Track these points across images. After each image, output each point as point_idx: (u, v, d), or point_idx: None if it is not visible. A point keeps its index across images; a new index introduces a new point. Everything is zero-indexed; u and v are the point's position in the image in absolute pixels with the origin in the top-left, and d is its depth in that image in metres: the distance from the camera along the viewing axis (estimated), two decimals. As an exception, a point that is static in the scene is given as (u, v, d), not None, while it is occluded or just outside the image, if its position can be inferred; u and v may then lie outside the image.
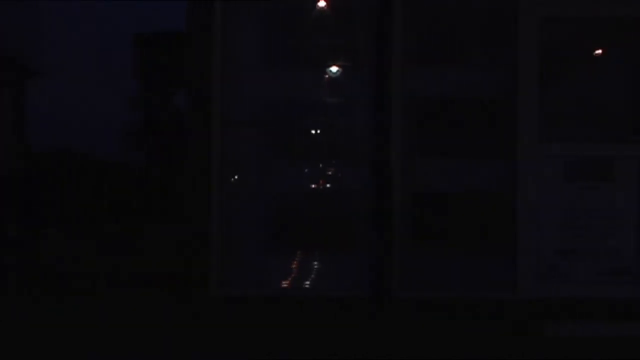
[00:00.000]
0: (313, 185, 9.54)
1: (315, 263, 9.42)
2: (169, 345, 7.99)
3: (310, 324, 8.64)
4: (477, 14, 9.51)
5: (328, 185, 9.53)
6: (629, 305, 9.12)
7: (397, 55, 9.35)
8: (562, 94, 9.45)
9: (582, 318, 9.06)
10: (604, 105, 9.42)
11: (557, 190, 9.37)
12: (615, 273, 9.32)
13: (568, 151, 9.35)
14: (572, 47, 9.48)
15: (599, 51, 9.45)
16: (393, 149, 9.32)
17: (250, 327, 8.62)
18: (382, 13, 9.24)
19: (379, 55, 9.25)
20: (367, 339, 8.36)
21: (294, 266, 9.43)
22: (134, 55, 37.37)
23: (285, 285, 9.39)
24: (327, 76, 9.53)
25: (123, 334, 8.38)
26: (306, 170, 9.54)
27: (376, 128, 9.25)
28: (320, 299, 9.10)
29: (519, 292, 9.28)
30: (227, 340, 8.19)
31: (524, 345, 8.46)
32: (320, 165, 9.54)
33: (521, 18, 9.34)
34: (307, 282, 9.39)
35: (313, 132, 9.59)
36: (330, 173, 9.53)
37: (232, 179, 9.54)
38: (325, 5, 9.51)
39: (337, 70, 9.51)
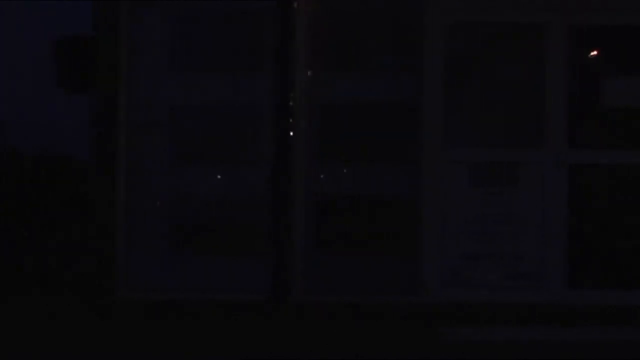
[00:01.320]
0: (218, 189, 9.49)
1: (219, 267, 9.36)
2: (65, 346, 7.89)
3: (206, 326, 8.61)
4: (384, 20, 9.54)
5: (232, 189, 9.49)
6: (532, 310, 9.20)
7: (302, 61, 9.36)
8: (467, 99, 9.50)
9: (485, 322, 9.13)
10: (509, 111, 9.49)
11: (462, 195, 9.42)
12: (518, 277, 9.39)
13: (473, 156, 9.41)
14: (477, 53, 9.53)
15: (503, 57, 9.51)
16: (297, 154, 9.32)
17: (148, 329, 8.57)
18: (284, 18, 9.23)
19: (280, 61, 9.22)
20: (259, 341, 8.35)
21: (198, 270, 9.36)
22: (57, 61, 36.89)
23: (188, 289, 9.32)
24: (233, 80, 9.49)
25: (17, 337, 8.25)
26: (211, 173, 9.49)
27: (275, 133, 9.22)
28: (221, 303, 9.06)
29: (424, 296, 9.31)
30: (119, 343, 8.12)
31: (422, 348, 8.50)
32: (225, 169, 9.49)
33: (427, 24, 9.39)
34: (210, 286, 9.32)
35: (219, 135, 9.54)
36: (234, 177, 9.49)
37: (139, 182, 9.46)
38: (232, 9, 9.47)
39: (243, 75, 9.47)
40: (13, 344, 8.08)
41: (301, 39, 9.40)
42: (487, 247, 9.40)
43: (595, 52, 9.49)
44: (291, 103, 9.18)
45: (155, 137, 9.54)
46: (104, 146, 9.28)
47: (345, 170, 9.56)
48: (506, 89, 9.50)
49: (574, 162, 9.36)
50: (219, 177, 9.51)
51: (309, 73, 9.44)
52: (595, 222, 9.43)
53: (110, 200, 9.25)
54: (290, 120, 9.24)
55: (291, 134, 9.26)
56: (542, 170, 9.38)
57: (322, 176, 9.51)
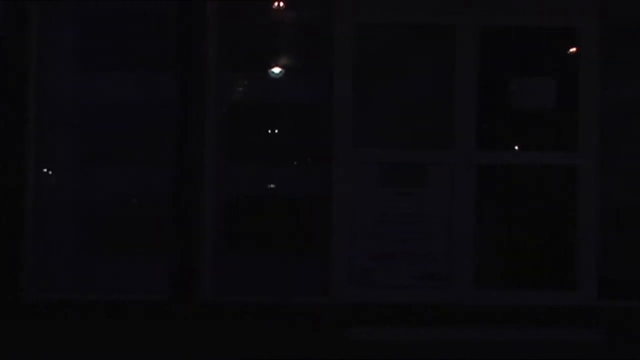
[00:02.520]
0: (125, 189, 9.46)
1: (126, 267, 9.31)
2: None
3: (108, 327, 8.58)
4: (294, 20, 9.56)
5: (140, 189, 9.46)
6: (440, 310, 9.24)
7: (212, 61, 9.35)
8: (378, 100, 9.53)
9: (393, 322, 9.17)
10: (419, 112, 9.54)
11: (372, 195, 9.45)
12: (428, 277, 9.43)
13: (383, 157, 9.45)
14: (388, 53, 9.58)
15: (414, 58, 9.56)
16: (207, 154, 9.31)
17: (55, 331, 8.53)
18: (185, 18, 9.22)
19: (183, 60, 9.22)
20: (151, 340, 8.35)
21: (105, 270, 9.32)
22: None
23: (94, 289, 9.26)
24: (142, 80, 9.46)
25: None
26: (119, 173, 9.46)
27: (179, 133, 9.20)
28: (124, 302, 9.02)
29: (333, 297, 9.33)
30: (21, 344, 8.08)
31: (329, 348, 8.55)
32: (133, 169, 9.46)
33: (336, 24, 9.42)
34: (117, 286, 9.27)
35: (127, 135, 9.50)
36: (142, 177, 9.46)
37: (47, 182, 9.41)
38: (140, 9, 9.44)
39: (151, 74, 9.45)
40: None
41: (212, 39, 9.39)
42: (396, 247, 9.44)
43: (503, 54, 9.56)
44: (189, 102, 9.17)
45: (64, 136, 9.49)
46: (12, 146, 9.20)
47: (256, 171, 9.56)
48: (416, 90, 9.55)
49: (483, 162, 9.43)
50: (126, 177, 9.46)
51: (219, 73, 9.43)
52: (502, 223, 9.51)
53: (19, 199, 9.18)
54: (200, 120, 9.24)
55: (201, 134, 9.27)
56: (451, 171, 9.43)
57: (234, 176, 9.50)
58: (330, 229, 9.39)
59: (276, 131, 9.58)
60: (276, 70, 9.60)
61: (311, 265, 9.44)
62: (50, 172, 9.45)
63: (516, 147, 9.53)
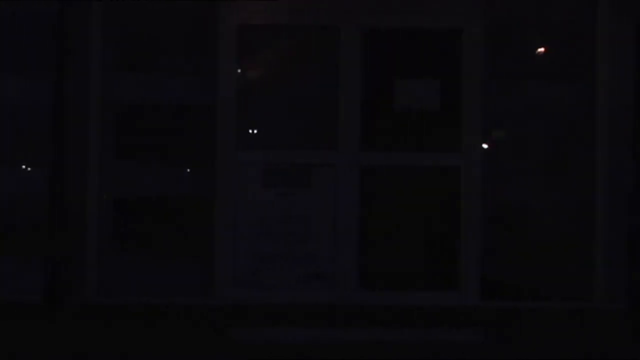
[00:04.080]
0: (5, 189, 9.38)
1: (6, 268, 9.23)
2: None
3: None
4: (180, 22, 9.52)
5: (21, 189, 9.39)
6: (324, 310, 9.26)
7: (95, 62, 9.32)
8: (262, 101, 9.53)
9: (277, 322, 9.18)
10: (303, 113, 9.54)
11: (256, 196, 9.45)
12: (312, 278, 9.44)
13: (267, 158, 9.46)
14: (272, 55, 9.57)
15: (298, 59, 9.56)
16: (91, 154, 9.28)
17: None
18: (72, 19, 9.18)
19: (63, 61, 9.16)
20: (28, 341, 8.31)
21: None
22: None
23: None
24: (25, 81, 9.40)
25: None
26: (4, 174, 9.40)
27: (59, 134, 9.15)
28: (4, 304, 8.97)
29: (216, 297, 9.33)
30: None
31: (210, 349, 8.54)
32: (13, 170, 9.39)
33: (220, 26, 9.41)
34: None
35: (9, 136, 9.43)
36: (22, 177, 9.40)
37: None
38: (24, 11, 9.37)
39: (36, 76, 9.38)
40: None
41: (96, 40, 9.34)
42: (280, 248, 9.45)
43: (388, 55, 9.58)
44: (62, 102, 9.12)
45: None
46: None
47: (142, 172, 9.52)
48: (301, 91, 9.55)
49: (367, 163, 9.46)
50: (7, 178, 9.39)
51: (105, 74, 9.39)
52: (387, 224, 9.53)
53: None
54: (82, 121, 9.21)
55: (84, 135, 9.23)
56: (335, 172, 9.45)
57: (119, 177, 9.45)
58: (214, 230, 9.38)
59: (162, 132, 9.53)
60: (162, 71, 9.56)
61: (195, 265, 9.43)
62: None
63: (399, 148, 9.53)
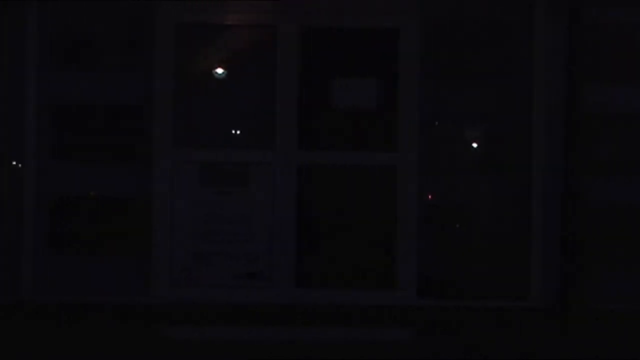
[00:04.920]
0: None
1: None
2: None
3: None
4: (116, 19, 9.51)
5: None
6: (261, 309, 9.27)
7: (33, 59, 9.30)
8: (199, 99, 9.53)
9: (213, 322, 9.18)
10: (241, 111, 9.55)
11: (193, 195, 9.45)
12: (249, 277, 9.45)
13: (204, 156, 9.45)
14: (210, 53, 9.57)
15: (237, 58, 9.56)
16: (27, 153, 9.29)
17: None
18: (6, 16, 9.17)
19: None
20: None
21: None
22: None
23: None
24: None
25: None
26: None
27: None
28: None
29: (153, 296, 9.32)
30: None
31: (143, 348, 8.55)
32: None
33: (158, 24, 9.41)
34: None
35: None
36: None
37: None
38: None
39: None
40: None
41: (33, 37, 9.33)
42: (217, 246, 9.45)
43: (326, 54, 9.60)
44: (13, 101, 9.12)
45: None
46: None
47: (79, 170, 9.50)
48: (238, 89, 9.55)
49: (304, 162, 9.46)
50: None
51: (42, 72, 9.38)
52: (324, 222, 9.55)
53: None
54: (18, 119, 9.21)
55: (20, 132, 9.23)
56: (272, 171, 9.45)
57: (55, 176, 9.44)
58: (150, 228, 9.38)
59: (99, 130, 9.52)
60: (99, 69, 9.55)
61: (132, 264, 9.42)
62: None
63: (336, 147, 9.54)
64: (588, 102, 9.34)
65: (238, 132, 9.55)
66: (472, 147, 9.63)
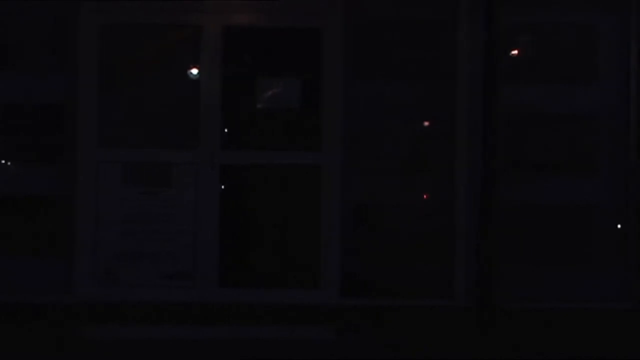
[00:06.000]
0: None
1: None
2: None
3: None
4: (40, 19, 9.52)
5: None
6: (185, 309, 9.29)
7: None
8: (124, 99, 9.56)
9: (137, 321, 9.20)
10: (165, 111, 9.57)
11: (117, 194, 9.46)
12: (173, 277, 9.46)
13: (128, 156, 9.47)
14: (134, 53, 9.59)
15: (161, 58, 9.58)
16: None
17: None
18: None
19: None
20: None
21: None
22: None
23: None
24: None
25: None
26: None
27: None
28: None
29: (77, 296, 9.33)
30: None
31: (65, 347, 8.56)
32: None
33: (81, 24, 9.42)
34: None
35: None
36: None
37: None
38: None
39: None
40: None
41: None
42: (141, 246, 9.46)
43: (249, 54, 9.62)
44: None
45: None
46: None
47: (2, 170, 9.51)
48: (162, 89, 9.57)
49: (227, 162, 9.48)
50: None
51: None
52: (248, 222, 9.57)
53: None
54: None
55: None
56: (195, 171, 9.47)
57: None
58: (74, 228, 9.40)
59: (23, 131, 9.53)
60: (24, 69, 9.56)
61: (56, 263, 9.43)
62: None
63: (259, 147, 9.56)
64: (509, 103, 9.37)
65: (162, 132, 9.56)
66: (397, 147, 9.64)
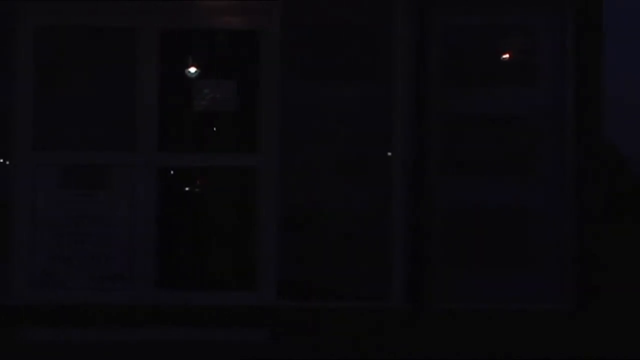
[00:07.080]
0: None
1: None
2: None
3: None
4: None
5: None
6: (119, 311, 9.29)
7: None
8: (60, 102, 9.56)
9: (72, 323, 9.20)
10: (102, 114, 9.56)
11: (53, 197, 9.47)
12: (110, 279, 9.47)
13: (64, 158, 9.48)
14: (71, 55, 9.59)
15: (97, 60, 9.57)
16: None
17: None
18: None
19: None
20: None
21: None
22: None
23: None
24: None
25: None
26: None
27: None
28: None
29: (12, 298, 9.34)
30: None
31: None
32: None
33: (17, 26, 9.44)
34: None
35: None
36: None
37: None
38: None
39: None
40: None
41: None
42: (78, 249, 9.47)
43: (186, 56, 9.63)
44: None
45: None
46: None
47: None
48: (99, 92, 9.58)
49: (164, 164, 9.50)
50: None
51: None
52: (184, 224, 9.58)
53: None
54: None
55: None
56: (132, 173, 9.48)
57: None
58: (10, 230, 9.40)
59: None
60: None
61: (-7, 265, 9.44)
62: None
63: (196, 149, 9.57)
64: (447, 105, 9.38)
65: (99, 134, 9.56)
66: (334, 149, 9.64)
